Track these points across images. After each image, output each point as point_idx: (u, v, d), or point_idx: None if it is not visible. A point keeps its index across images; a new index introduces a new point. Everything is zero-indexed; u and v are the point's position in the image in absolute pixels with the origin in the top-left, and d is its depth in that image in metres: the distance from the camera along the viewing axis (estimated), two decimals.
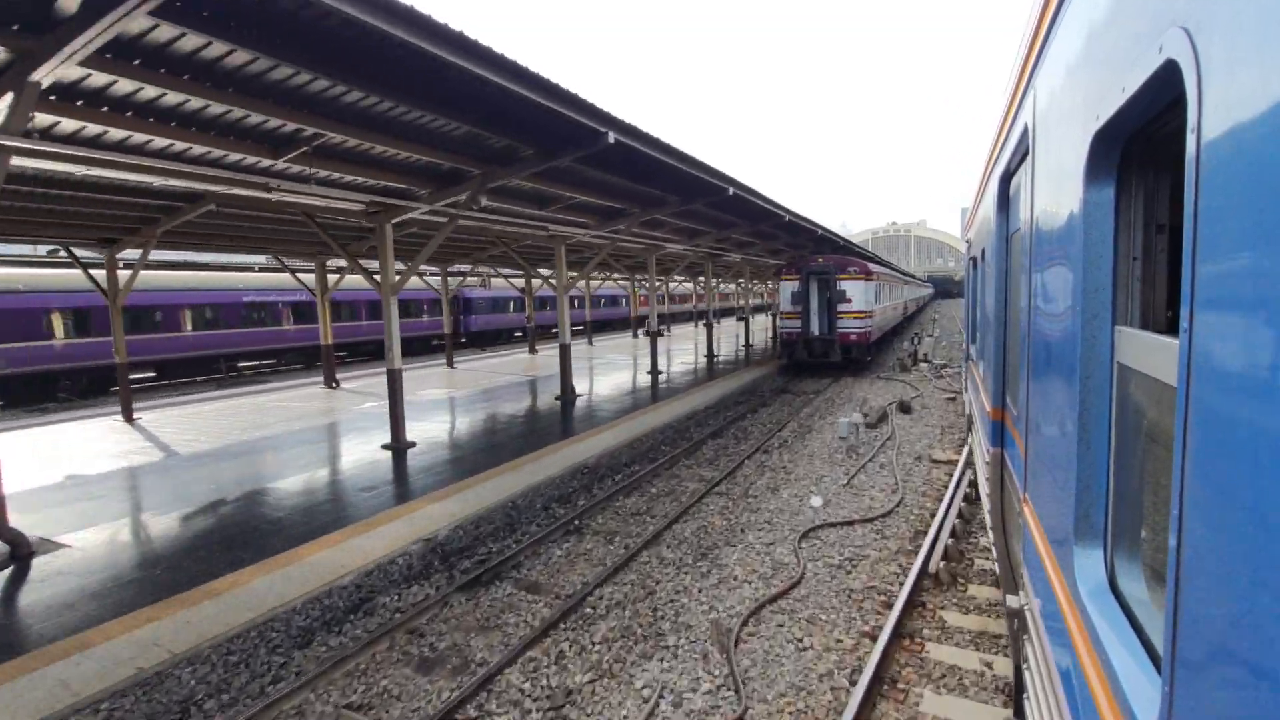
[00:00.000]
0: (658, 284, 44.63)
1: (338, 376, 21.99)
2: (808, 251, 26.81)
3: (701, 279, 44.78)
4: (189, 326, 26.04)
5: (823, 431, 14.02)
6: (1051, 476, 2.29)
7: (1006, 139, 3.74)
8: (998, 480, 4.40)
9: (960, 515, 8.53)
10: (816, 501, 9.31)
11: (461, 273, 29.23)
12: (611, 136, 8.66)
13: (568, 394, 17.73)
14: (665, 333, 44.47)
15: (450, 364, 26.13)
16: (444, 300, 25.92)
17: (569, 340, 17.60)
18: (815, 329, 22.68)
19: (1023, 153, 3.14)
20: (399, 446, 11.61)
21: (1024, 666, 2.98)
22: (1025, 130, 2.88)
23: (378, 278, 11.51)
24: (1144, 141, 1.66)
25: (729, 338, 37.31)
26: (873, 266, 23.86)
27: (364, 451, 11.44)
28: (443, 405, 16.48)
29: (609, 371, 23.11)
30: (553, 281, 20.84)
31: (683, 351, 30.16)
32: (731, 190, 13.76)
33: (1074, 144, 1.88)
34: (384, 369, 12.32)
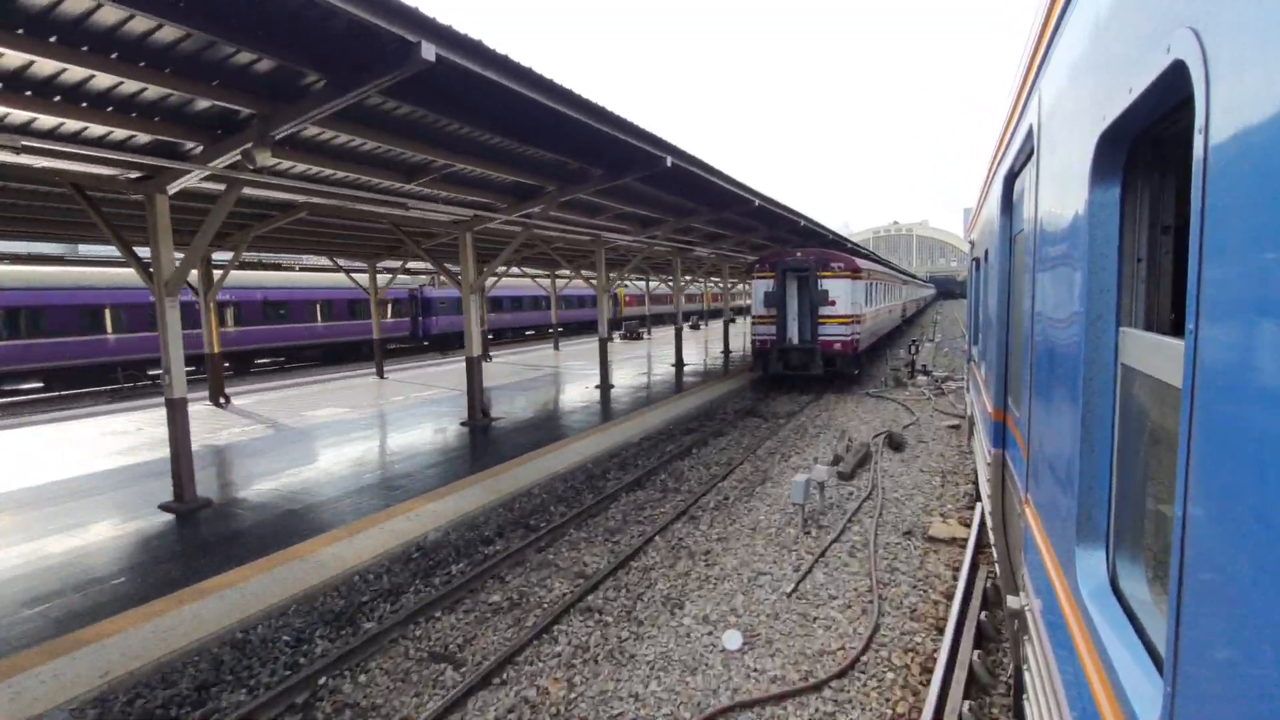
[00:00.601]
0: (620, 281, 40.66)
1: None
2: (794, 246, 22.96)
3: (679, 278, 41.08)
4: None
5: (781, 481, 10.27)
6: (1053, 477, 2.26)
7: (1011, 140, 3.68)
8: (999, 482, 4.26)
9: (974, 675, 4.82)
10: (732, 641, 5.55)
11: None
12: (669, 160, 9.91)
13: (477, 419, 14.12)
14: (645, 335, 40.87)
15: (380, 374, 22.54)
16: (372, 300, 22.35)
17: (476, 351, 13.96)
18: (793, 336, 18.93)
19: (1027, 153, 3.07)
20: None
21: (1024, 667, 2.93)
22: (1030, 131, 2.86)
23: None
24: (1150, 142, 1.65)
25: (711, 342, 33.58)
26: (861, 263, 20.01)
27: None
28: (288, 439, 12.76)
29: (552, 385, 19.39)
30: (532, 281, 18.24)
31: (645, 359, 26.47)
32: (670, 160, 10.27)
33: (1079, 145, 1.85)
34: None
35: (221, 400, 17.56)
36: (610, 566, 7.15)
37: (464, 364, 13.98)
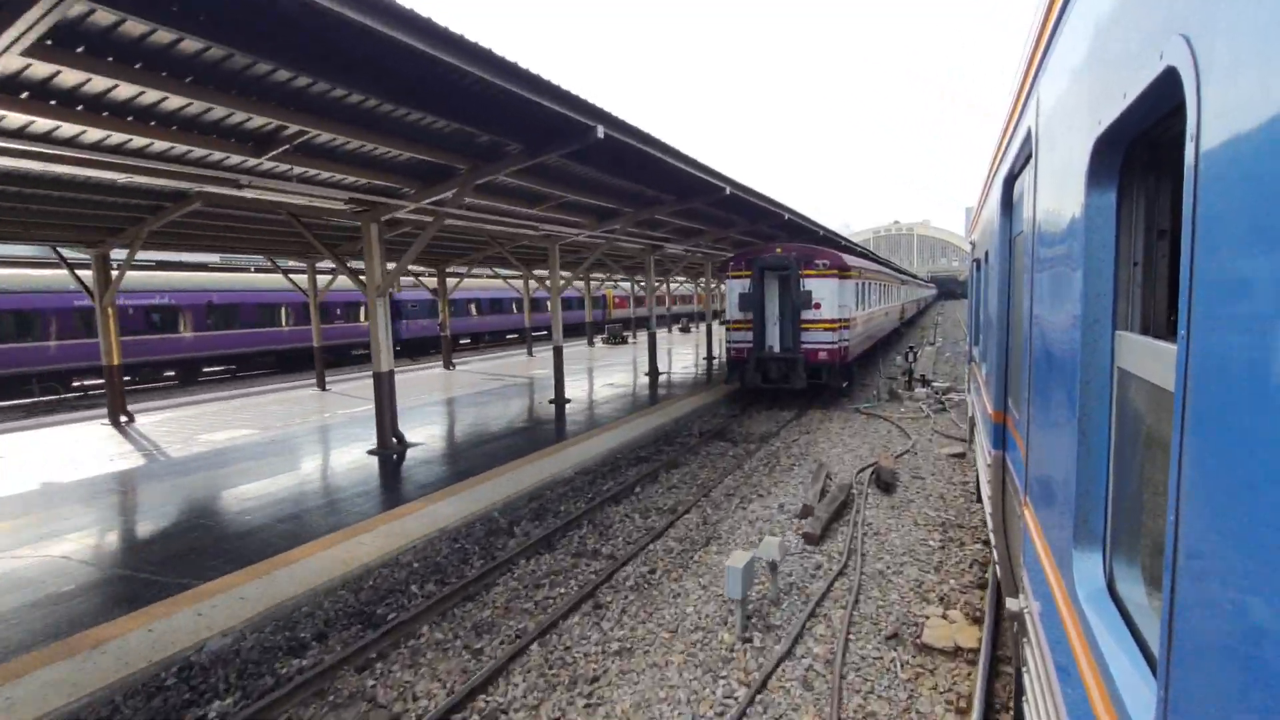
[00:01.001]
0: (582, 281, 38.11)
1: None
2: (777, 242, 20.47)
3: (651, 278, 38.53)
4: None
5: (733, 540, 7.82)
6: (1051, 480, 2.25)
7: (1010, 142, 3.69)
8: (999, 483, 4.24)
9: None
10: None
11: (457, 274, 25.96)
12: (601, 130, 8.16)
13: (389, 446, 11.74)
14: (632, 339, 38.43)
15: (322, 386, 20.18)
16: (312, 302, 19.98)
17: (386, 367, 11.60)
18: (772, 344, 16.45)
19: (1026, 156, 3.05)
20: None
21: (1023, 670, 2.91)
22: (1029, 134, 2.84)
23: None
24: (1145, 147, 1.65)
25: (702, 346, 31.14)
26: (851, 260, 17.48)
27: None
28: (171, 473, 10.37)
29: (500, 401, 16.98)
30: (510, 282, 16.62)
31: (623, 366, 24.02)
32: (601, 130, 8.24)
33: (1076, 149, 1.85)
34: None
35: (124, 418, 15.26)
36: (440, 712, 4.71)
37: (426, 372, 12.10)
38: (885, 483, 9.42)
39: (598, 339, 36.43)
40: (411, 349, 33.79)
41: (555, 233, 15.95)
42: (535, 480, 9.88)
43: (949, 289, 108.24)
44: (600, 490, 10.09)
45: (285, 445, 12.10)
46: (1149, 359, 1.47)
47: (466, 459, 10.76)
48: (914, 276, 58.85)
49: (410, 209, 10.88)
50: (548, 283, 16.76)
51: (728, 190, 12.99)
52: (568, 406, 16.18)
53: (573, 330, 44.39)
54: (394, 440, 11.88)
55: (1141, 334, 1.66)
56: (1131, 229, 1.71)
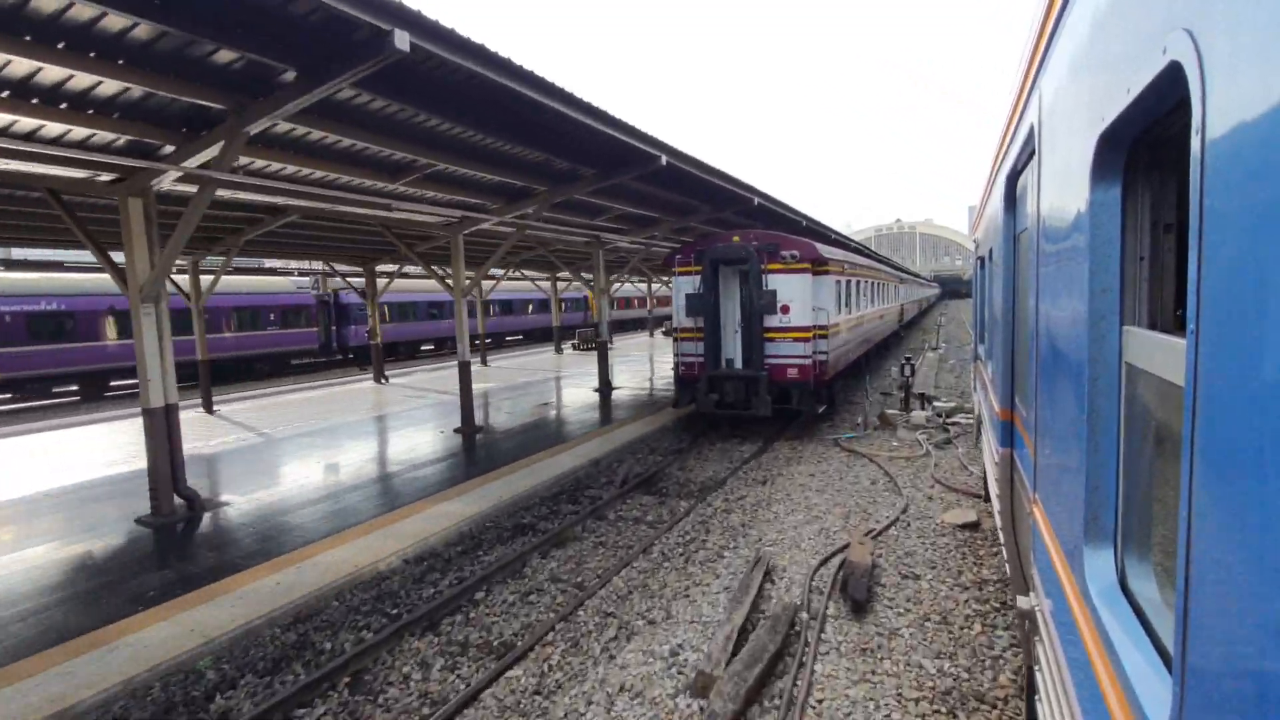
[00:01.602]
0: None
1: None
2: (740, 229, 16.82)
3: (601, 275, 34.83)
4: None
5: None
6: (1061, 477, 2.21)
7: (1013, 139, 3.61)
8: (1007, 481, 4.19)
9: None
10: None
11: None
12: (664, 160, 9.56)
13: (164, 515, 8.24)
14: (610, 345, 34.83)
15: (208, 409, 16.70)
16: (195, 310, 16.51)
17: (162, 402, 8.15)
18: (732, 358, 12.83)
19: (1029, 153, 2.99)
20: None
21: (1035, 668, 2.89)
22: (1031, 130, 2.78)
23: (449, 281, 12.95)
24: (1150, 142, 1.61)
25: (672, 357, 27.54)
26: (830, 252, 13.73)
27: None
28: None
29: (402, 427, 13.47)
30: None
31: (577, 379, 20.42)
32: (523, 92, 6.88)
33: (1079, 145, 1.80)
34: None
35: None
36: None
37: (356, 385, 8.65)
38: (858, 600, 5.74)
39: (568, 345, 32.79)
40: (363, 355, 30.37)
41: (445, 216, 12.42)
42: (316, 586, 6.28)
43: (953, 288, 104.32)
44: (414, 600, 6.45)
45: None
46: (1157, 353, 1.43)
47: (258, 533, 7.23)
48: (915, 275, 54.93)
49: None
50: (449, 282, 13.20)
51: (664, 160, 10.01)
52: (479, 436, 12.66)
53: (538, 335, 40.95)
54: (188, 504, 8.43)
55: (1149, 329, 1.61)
56: (1137, 223, 1.68)
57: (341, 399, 18.07)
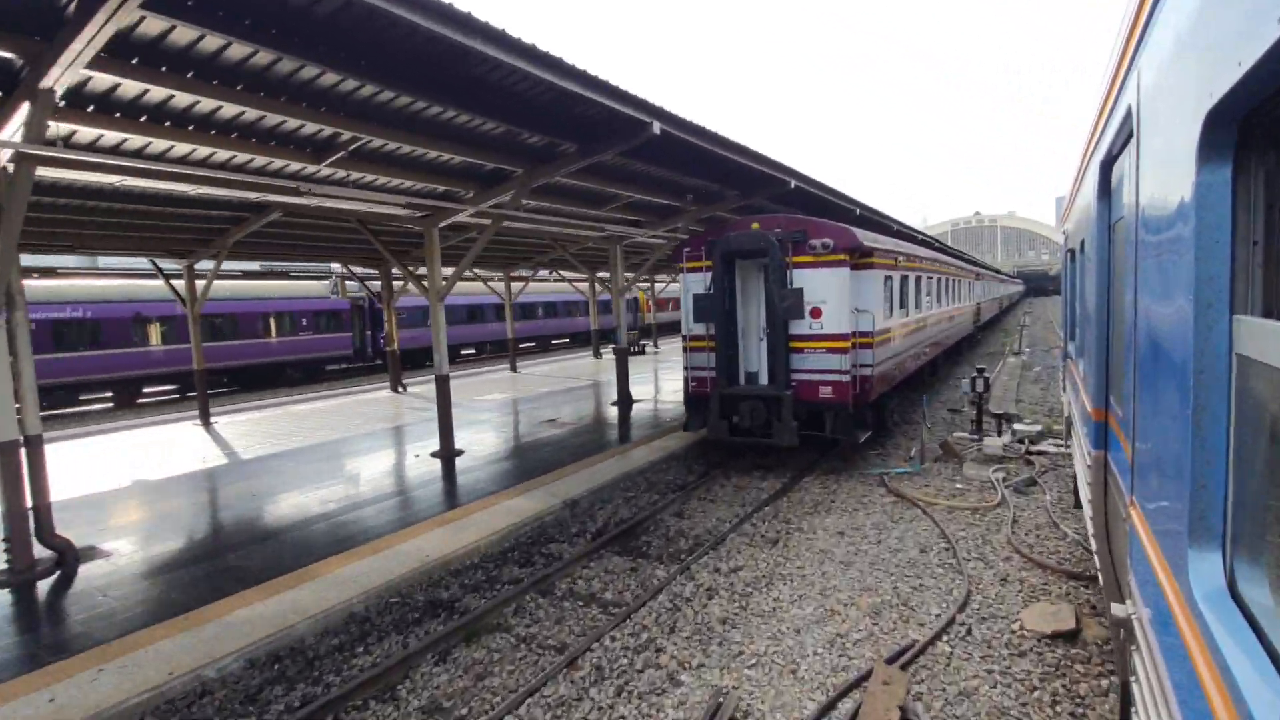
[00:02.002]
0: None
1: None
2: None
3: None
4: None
5: None
6: (1162, 477, 2.10)
7: (1107, 123, 3.41)
8: (1101, 484, 4.05)
9: None
10: None
11: (523, 277, 24.49)
12: (657, 128, 7.76)
13: (19, 571, 6.68)
14: (651, 348, 32.71)
15: (205, 421, 15.61)
16: (191, 316, 15.45)
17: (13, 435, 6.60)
18: (750, 370, 10.44)
19: (1125, 136, 2.85)
20: None
21: (1131, 680, 2.74)
22: (1128, 112, 2.64)
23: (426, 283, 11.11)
24: (1263, 119, 1.49)
25: None
26: (876, 239, 10.97)
27: None
28: None
29: (383, 447, 11.83)
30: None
31: (599, 389, 18.30)
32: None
33: (1184, 124, 1.69)
34: None
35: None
36: None
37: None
38: None
39: (604, 351, 30.82)
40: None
41: (411, 205, 10.69)
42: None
43: (1038, 284, 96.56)
44: None
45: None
46: (1273, 343, 1.35)
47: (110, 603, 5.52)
48: (994, 270, 50.02)
49: (470, 213, 10.52)
50: (426, 283, 11.38)
51: (656, 128, 7.95)
52: (459, 459, 10.83)
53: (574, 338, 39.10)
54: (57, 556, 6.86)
55: (1264, 317, 1.50)
56: (1249, 206, 1.56)
57: (347, 411, 16.69)
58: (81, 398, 21.00)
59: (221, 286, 23.90)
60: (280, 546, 7.18)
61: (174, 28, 5.13)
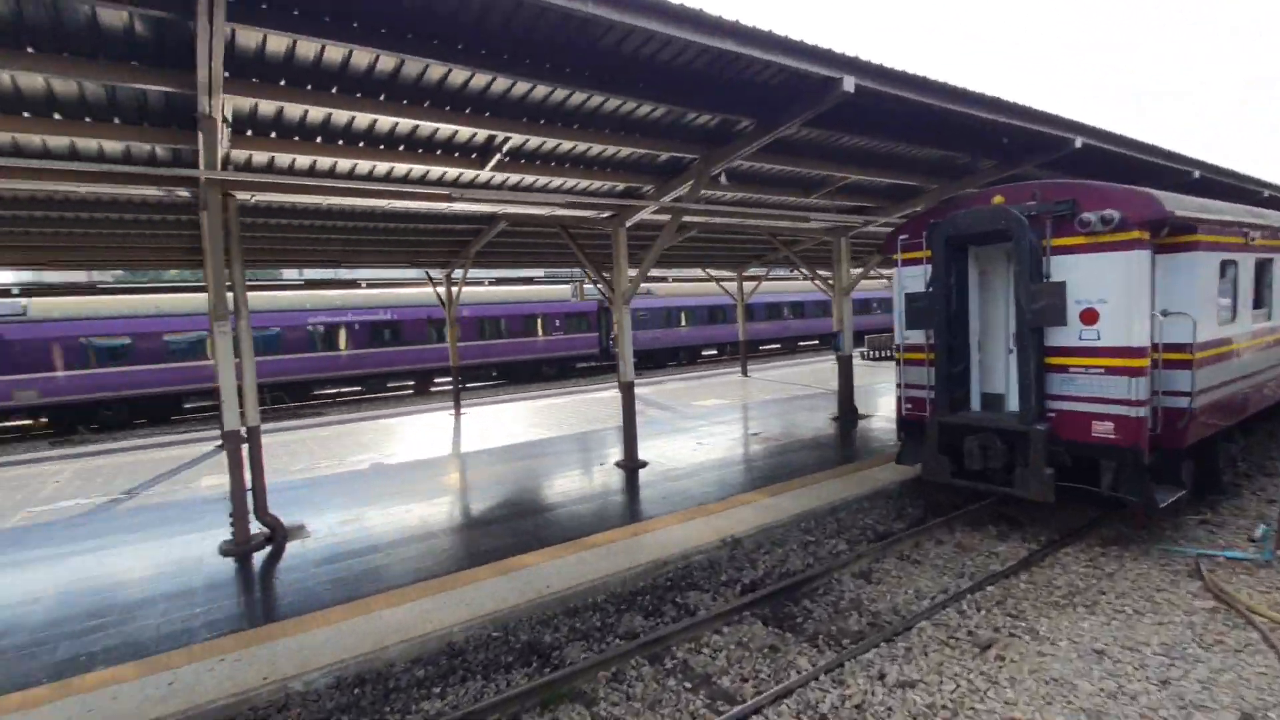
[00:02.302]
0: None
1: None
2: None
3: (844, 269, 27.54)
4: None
5: None
6: None
7: None
8: None
9: None
10: None
11: (756, 277, 23.38)
12: (849, 83, 6.23)
13: (242, 543, 7.65)
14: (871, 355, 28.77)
15: (457, 409, 17.54)
16: (449, 319, 17.42)
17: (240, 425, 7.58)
18: (987, 396, 7.86)
19: None
20: None
21: None
22: None
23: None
24: None
25: None
26: (1203, 210, 7.16)
27: None
28: None
29: (563, 453, 11.82)
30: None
31: (830, 399, 16.15)
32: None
33: None
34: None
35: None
36: None
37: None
38: None
39: (859, 352, 27.84)
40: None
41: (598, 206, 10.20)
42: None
43: None
44: None
45: None
46: None
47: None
48: None
49: (652, 209, 9.81)
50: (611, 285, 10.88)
51: (849, 85, 6.36)
52: (643, 471, 10.24)
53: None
54: None
55: None
56: None
57: (569, 409, 17.37)
58: (390, 385, 25.44)
59: (493, 293, 27.18)
60: (422, 551, 7.17)
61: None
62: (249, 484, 7.77)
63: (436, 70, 5.89)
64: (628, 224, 10.38)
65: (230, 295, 7.48)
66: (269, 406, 21.82)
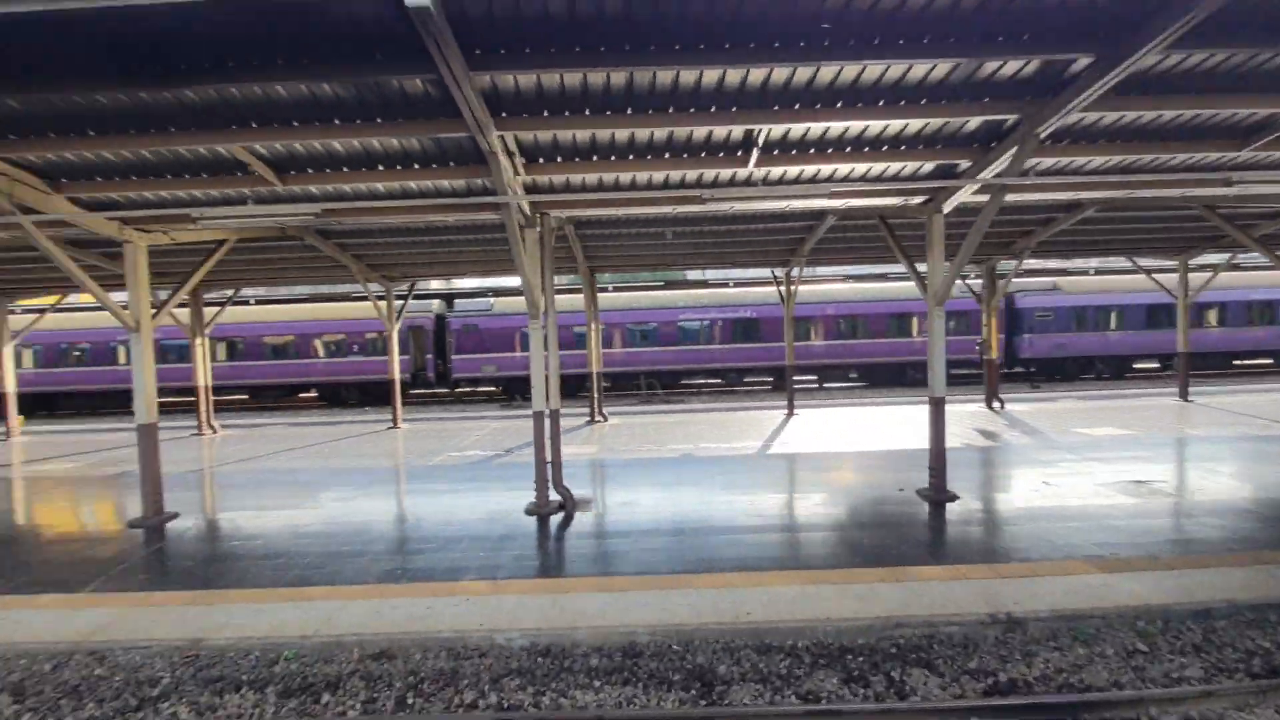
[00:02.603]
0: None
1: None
2: None
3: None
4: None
5: None
6: None
7: None
8: None
9: None
10: None
11: (1211, 267, 19.58)
12: None
13: (542, 507, 9.15)
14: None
15: (790, 408, 17.42)
16: (787, 318, 17.40)
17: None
18: None
19: None
20: None
21: None
22: None
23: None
24: None
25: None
26: None
27: None
28: None
29: (868, 470, 10.82)
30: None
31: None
32: None
33: None
34: None
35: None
36: None
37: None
38: None
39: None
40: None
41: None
42: None
43: None
44: None
45: None
46: None
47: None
48: None
49: (974, 189, 8.31)
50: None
51: None
52: (951, 506, 8.70)
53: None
54: None
55: None
56: None
57: (908, 421, 15.55)
58: (746, 379, 26.69)
59: (856, 290, 25.85)
60: (668, 545, 7.37)
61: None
62: (549, 458, 9.18)
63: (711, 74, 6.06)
64: (945, 209, 8.74)
65: (541, 298, 8.92)
66: (637, 393, 25.19)
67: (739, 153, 7.84)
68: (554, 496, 9.20)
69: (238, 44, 5.29)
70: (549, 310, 9.15)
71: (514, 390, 25.29)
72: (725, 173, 8.30)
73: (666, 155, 7.88)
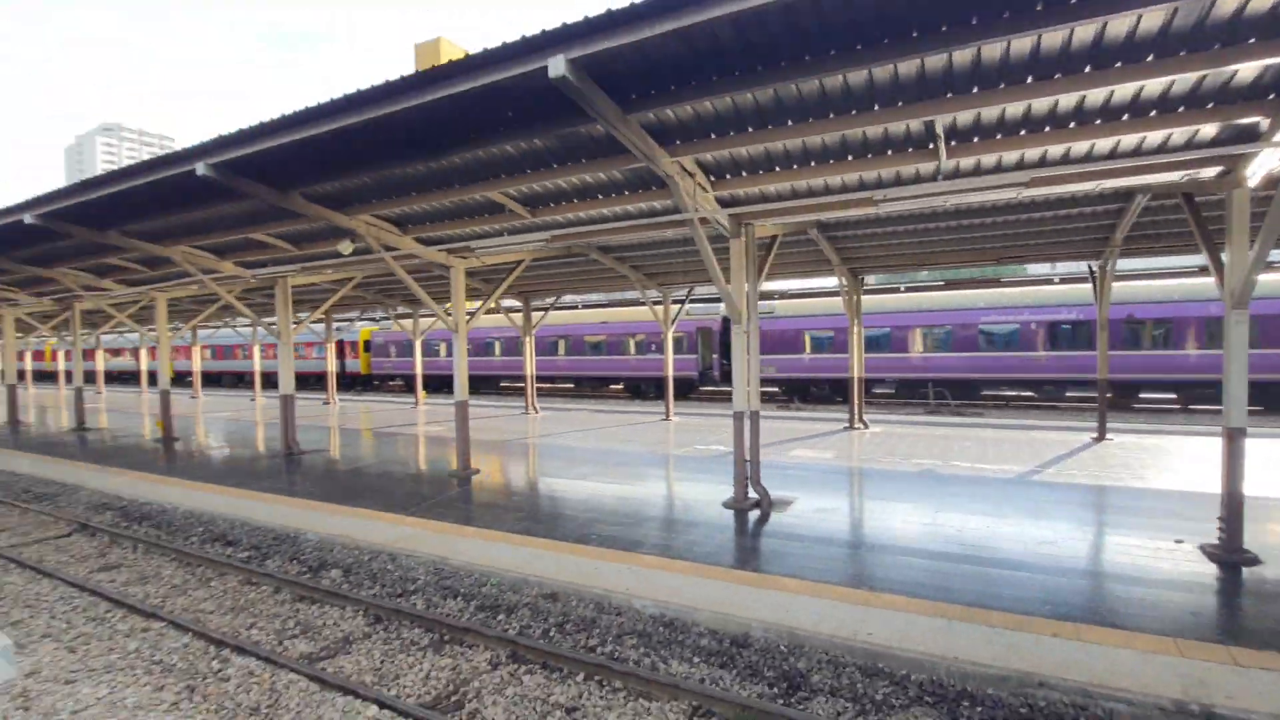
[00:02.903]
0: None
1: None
2: None
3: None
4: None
5: None
6: None
7: None
8: None
9: None
10: None
11: None
12: None
13: (740, 503, 9.70)
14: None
15: (1101, 430, 14.40)
16: (1100, 324, 14.35)
17: (745, 407, 9.78)
18: None
19: None
20: None
21: None
22: None
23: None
24: None
25: None
26: None
27: None
28: None
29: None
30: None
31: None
32: None
33: None
34: None
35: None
36: None
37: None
38: None
39: None
40: None
41: None
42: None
43: None
44: None
45: None
46: None
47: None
48: None
49: None
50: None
51: None
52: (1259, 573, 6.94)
53: None
54: None
55: None
56: None
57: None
58: (1069, 394, 22.26)
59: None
60: (842, 557, 7.31)
61: None
62: (748, 456, 9.63)
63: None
64: (1250, 180, 6.68)
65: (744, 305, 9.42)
66: (932, 402, 23.03)
67: (930, 145, 7.24)
68: (752, 494, 9.61)
69: (475, 123, 7.13)
70: (751, 315, 9.58)
71: (794, 391, 25.55)
72: (925, 167, 7.72)
73: (849, 157, 7.70)
